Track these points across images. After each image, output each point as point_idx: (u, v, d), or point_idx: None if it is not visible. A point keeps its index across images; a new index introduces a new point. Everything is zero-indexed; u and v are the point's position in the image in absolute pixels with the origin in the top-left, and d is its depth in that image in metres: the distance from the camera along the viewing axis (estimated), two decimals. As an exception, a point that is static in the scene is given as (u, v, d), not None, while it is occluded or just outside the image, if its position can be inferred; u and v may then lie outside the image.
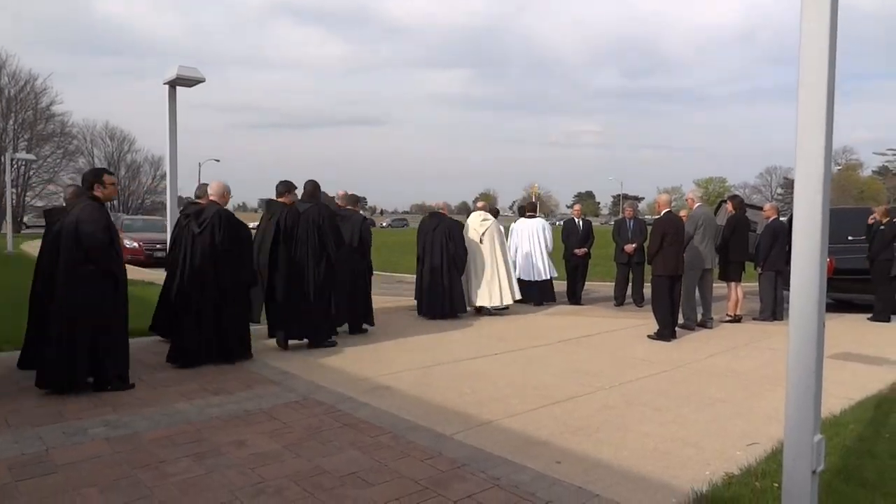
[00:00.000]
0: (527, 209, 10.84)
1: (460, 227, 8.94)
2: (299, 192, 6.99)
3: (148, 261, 16.86)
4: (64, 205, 5.92)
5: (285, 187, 6.97)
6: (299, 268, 6.49)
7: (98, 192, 5.00)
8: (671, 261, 7.35)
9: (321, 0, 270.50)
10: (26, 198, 45.32)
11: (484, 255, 9.16)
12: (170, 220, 8.13)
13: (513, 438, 3.95)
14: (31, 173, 44.73)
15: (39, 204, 48.23)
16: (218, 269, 5.77)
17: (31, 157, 34.70)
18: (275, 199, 7.02)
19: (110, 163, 53.73)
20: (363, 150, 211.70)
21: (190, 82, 7.49)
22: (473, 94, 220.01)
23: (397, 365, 5.93)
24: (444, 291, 8.63)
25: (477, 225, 9.32)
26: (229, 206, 6.38)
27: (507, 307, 9.32)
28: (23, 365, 5.34)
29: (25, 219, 46.29)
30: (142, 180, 55.86)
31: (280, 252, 6.50)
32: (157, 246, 16.91)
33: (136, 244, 17.65)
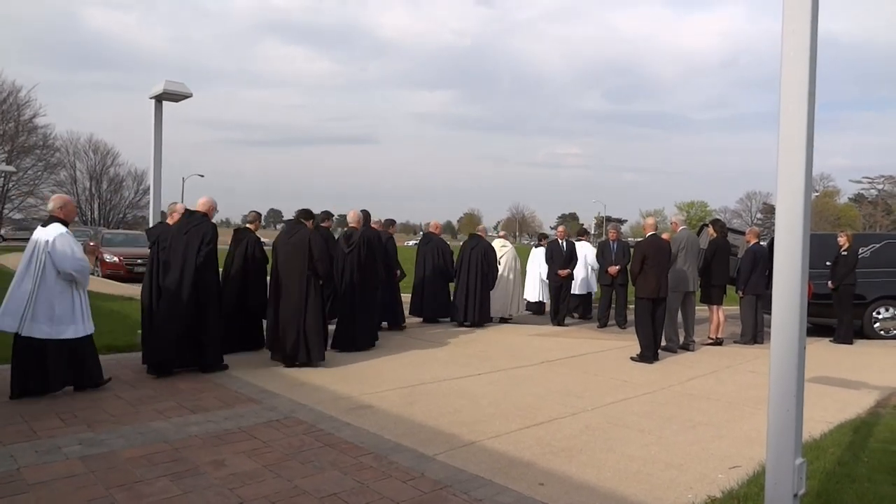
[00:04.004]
0: (578, 233, 13.04)
1: (493, 250, 10.29)
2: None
3: (128, 275, 16.52)
4: (248, 227, 7.73)
5: (326, 215, 8.81)
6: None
7: (310, 225, 7.03)
8: (652, 283, 7.42)
9: (310, 18, 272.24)
10: (5, 210, 44.56)
11: (500, 275, 10.60)
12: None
13: (496, 459, 3.92)
14: (10, 185, 44.05)
15: (18, 216, 47.40)
16: (360, 278, 7.67)
17: (11, 169, 34.16)
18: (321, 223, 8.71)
19: (92, 176, 53.14)
20: (348, 168, 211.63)
21: (176, 97, 7.47)
22: (459, 114, 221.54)
23: (380, 383, 5.89)
24: (475, 303, 9.81)
25: (497, 249, 10.83)
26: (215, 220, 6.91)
27: (510, 317, 10.87)
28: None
29: (3, 231, 45.48)
30: (124, 194, 55.24)
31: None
32: (139, 261, 16.59)
33: (116, 259, 17.32)
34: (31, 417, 4.50)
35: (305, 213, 7.17)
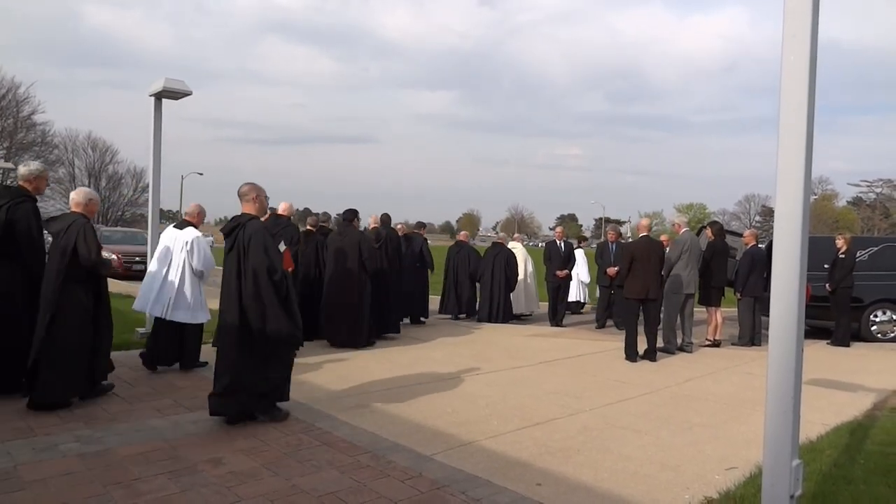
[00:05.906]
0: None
1: (514, 257, 11.16)
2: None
3: (126, 273, 16.41)
4: (310, 229, 8.69)
5: (353, 214, 8.78)
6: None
7: (355, 224, 8.06)
8: (639, 284, 7.45)
9: (312, 18, 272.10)
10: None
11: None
12: (150, 232, 8.03)
13: (493, 460, 3.93)
14: (8, 181, 43.93)
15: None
16: (388, 271, 8.58)
17: (9, 165, 34.07)
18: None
19: (91, 173, 52.97)
20: (348, 168, 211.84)
21: (176, 95, 7.46)
22: (460, 115, 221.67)
23: (378, 383, 5.89)
24: (499, 303, 10.80)
25: None
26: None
27: (531, 314, 11.82)
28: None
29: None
30: (123, 192, 55.05)
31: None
32: (137, 258, 16.50)
33: (114, 256, 17.23)
34: (29, 415, 4.50)
35: (351, 214, 8.10)
